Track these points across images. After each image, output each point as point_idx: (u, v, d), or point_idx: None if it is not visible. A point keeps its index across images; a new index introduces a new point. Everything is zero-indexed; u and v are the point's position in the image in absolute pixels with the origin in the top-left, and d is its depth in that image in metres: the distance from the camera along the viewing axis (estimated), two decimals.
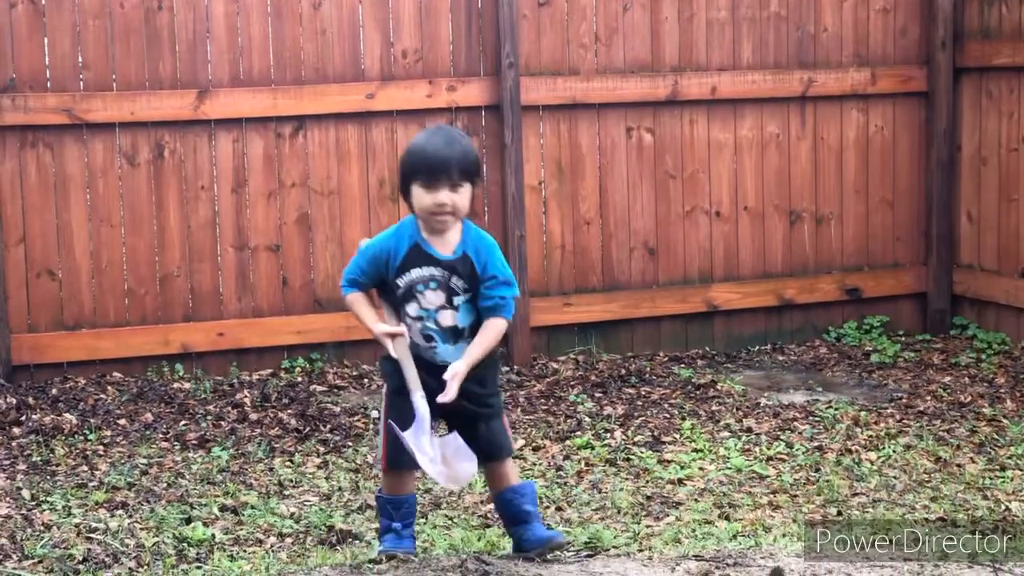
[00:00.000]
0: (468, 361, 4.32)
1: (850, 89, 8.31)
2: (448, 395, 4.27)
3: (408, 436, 4.26)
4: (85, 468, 6.07)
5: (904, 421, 6.75)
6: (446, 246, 4.38)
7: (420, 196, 4.32)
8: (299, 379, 7.39)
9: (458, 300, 4.38)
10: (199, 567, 4.87)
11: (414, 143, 4.42)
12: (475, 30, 7.76)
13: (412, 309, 4.39)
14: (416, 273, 4.38)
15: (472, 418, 4.43)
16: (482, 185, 7.79)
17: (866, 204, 8.45)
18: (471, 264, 4.37)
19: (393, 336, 4.35)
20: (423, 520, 5.37)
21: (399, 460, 4.40)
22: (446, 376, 4.30)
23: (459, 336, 4.40)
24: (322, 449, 6.35)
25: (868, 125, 8.41)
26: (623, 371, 7.63)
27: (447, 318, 4.39)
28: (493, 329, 4.38)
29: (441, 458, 4.30)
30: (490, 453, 4.48)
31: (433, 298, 4.39)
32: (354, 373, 7.53)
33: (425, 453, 4.28)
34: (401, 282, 4.39)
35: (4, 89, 7.15)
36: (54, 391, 7.06)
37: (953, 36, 8.30)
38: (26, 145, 7.22)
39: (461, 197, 4.33)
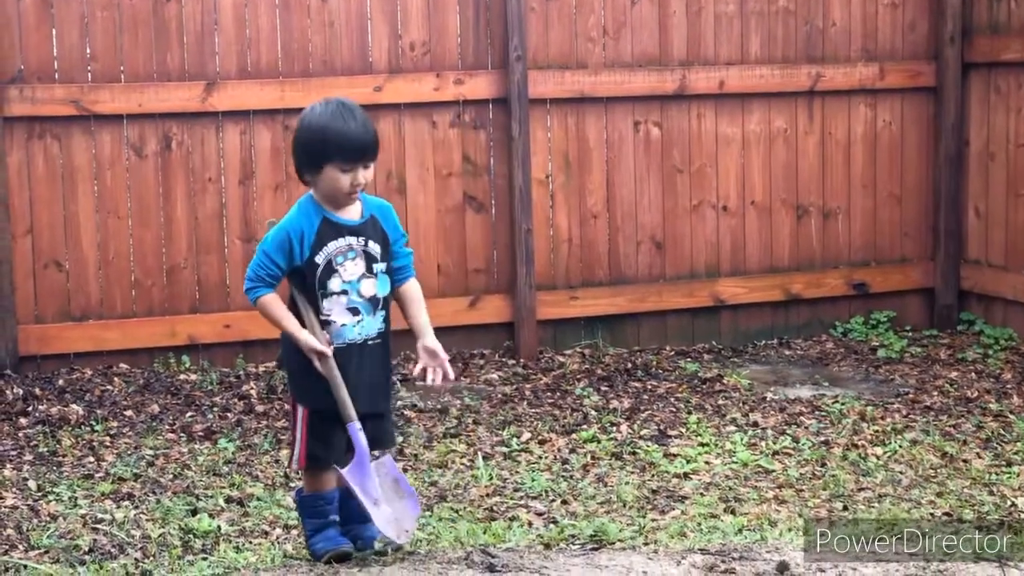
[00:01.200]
0: (431, 333, 4.41)
1: (858, 84, 8.30)
2: (450, 374, 4.37)
3: (351, 477, 4.26)
4: (91, 459, 6.08)
5: (910, 416, 6.74)
6: (352, 213, 4.40)
7: (336, 178, 4.31)
8: None
9: (376, 267, 4.39)
10: (205, 558, 4.88)
11: (328, 124, 4.31)
12: (483, 23, 7.75)
13: (335, 284, 4.35)
14: (333, 245, 4.35)
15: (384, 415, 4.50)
16: (490, 178, 7.80)
17: (874, 199, 8.44)
18: (380, 225, 4.41)
19: (322, 355, 4.30)
20: (428, 512, 5.37)
21: (319, 456, 4.39)
22: (427, 359, 4.39)
23: (378, 306, 4.42)
24: None
25: (876, 120, 8.40)
26: (629, 365, 7.63)
27: (368, 287, 4.38)
28: (419, 290, 4.52)
29: (383, 496, 4.31)
30: (382, 445, 4.50)
31: (353, 268, 4.37)
32: None
33: (370, 496, 4.29)
34: (319, 258, 4.34)
35: (12, 80, 7.16)
36: (61, 382, 7.06)
37: (962, 31, 8.28)
38: (33, 136, 7.22)
39: (370, 172, 4.37)
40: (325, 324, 4.36)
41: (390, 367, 4.56)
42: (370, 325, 4.40)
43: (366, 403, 4.39)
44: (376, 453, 4.41)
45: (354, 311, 4.37)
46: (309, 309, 4.36)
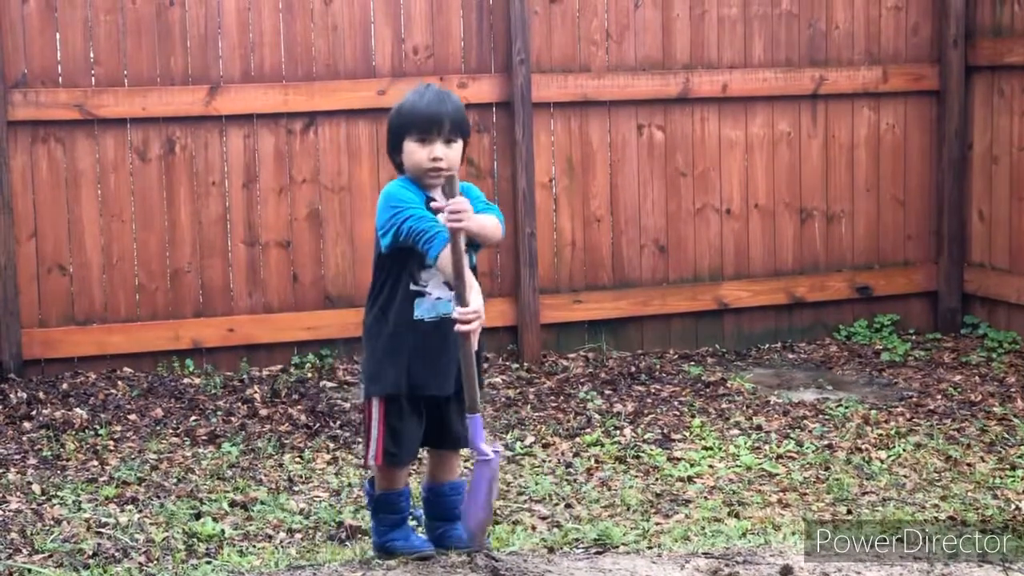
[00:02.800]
0: (477, 219, 4.20)
1: (861, 87, 8.30)
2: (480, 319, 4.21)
3: (478, 475, 4.20)
4: (95, 463, 6.08)
5: (914, 420, 6.74)
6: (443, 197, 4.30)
7: (414, 151, 4.30)
8: (309, 375, 7.39)
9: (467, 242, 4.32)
10: (209, 562, 4.88)
11: (405, 100, 4.39)
12: (486, 27, 7.76)
13: None
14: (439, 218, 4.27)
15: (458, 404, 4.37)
16: (493, 181, 7.80)
17: (877, 202, 8.44)
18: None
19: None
20: None
21: (394, 453, 4.39)
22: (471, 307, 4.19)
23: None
24: (332, 445, 6.36)
25: (879, 123, 8.40)
26: (633, 368, 7.63)
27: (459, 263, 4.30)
28: (493, 218, 4.30)
29: (486, 500, 4.23)
30: (455, 441, 4.45)
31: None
32: None
33: (481, 497, 4.21)
34: None
35: (16, 84, 7.16)
36: (64, 386, 7.07)
37: (965, 34, 8.28)
38: (37, 140, 7.23)
39: (454, 152, 4.32)
40: (419, 295, 4.31)
41: (482, 342, 4.40)
42: (440, 303, 4.35)
43: (451, 382, 4.35)
44: (488, 448, 4.28)
45: (449, 285, 4.30)
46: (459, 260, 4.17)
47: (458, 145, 4.34)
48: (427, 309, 4.35)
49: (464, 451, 4.59)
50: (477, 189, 4.43)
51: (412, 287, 4.35)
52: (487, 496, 4.26)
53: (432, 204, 4.26)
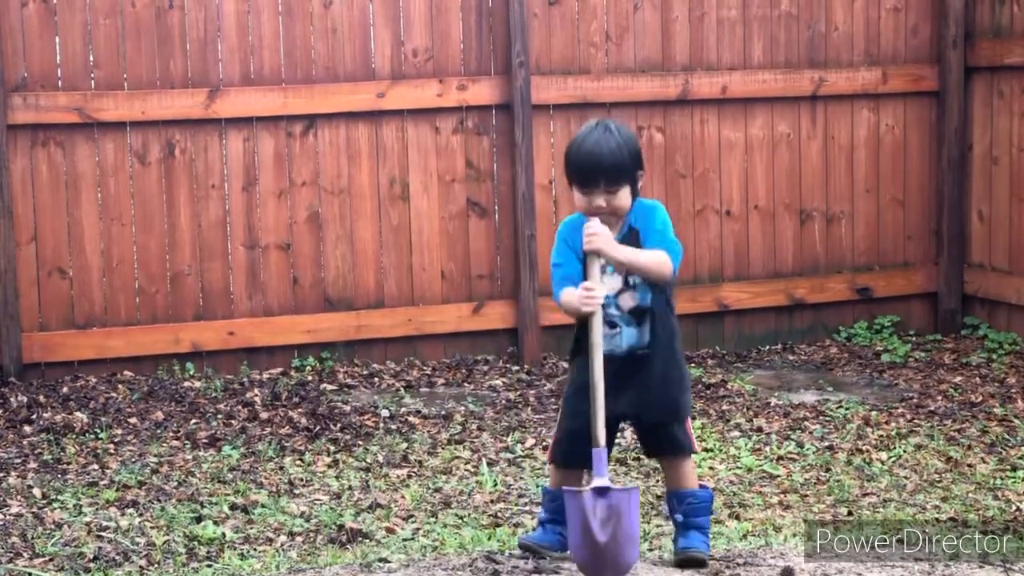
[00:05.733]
0: (622, 250, 4.22)
1: (861, 88, 8.30)
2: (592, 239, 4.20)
3: (571, 502, 4.16)
4: (96, 466, 6.08)
5: (915, 421, 6.74)
6: (615, 228, 4.31)
7: (578, 198, 4.31)
8: (309, 378, 7.39)
9: (634, 280, 4.33)
10: (209, 565, 4.88)
11: (572, 142, 4.34)
12: (485, 29, 7.76)
13: None
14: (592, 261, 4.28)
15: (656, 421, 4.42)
16: (493, 184, 7.80)
17: (877, 203, 8.44)
18: (637, 235, 4.33)
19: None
20: (433, 519, 5.37)
21: (570, 456, 4.40)
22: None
23: (642, 317, 4.34)
24: (332, 448, 6.36)
25: (879, 124, 8.40)
26: None
27: (627, 300, 4.34)
28: (654, 252, 4.27)
29: (599, 532, 4.14)
30: (658, 452, 4.50)
31: (612, 282, 4.33)
32: (364, 372, 7.54)
33: (578, 531, 4.14)
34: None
35: (15, 88, 7.17)
36: (65, 389, 7.07)
37: (964, 35, 8.28)
38: (37, 144, 7.23)
39: (619, 198, 4.29)
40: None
41: (672, 377, 4.38)
42: (630, 336, 4.35)
43: (630, 406, 4.37)
44: (623, 487, 4.31)
45: (611, 324, 4.33)
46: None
47: (624, 189, 4.29)
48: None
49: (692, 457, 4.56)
50: (663, 214, 4.36)
51: None
52: (581, 534, 4.17)
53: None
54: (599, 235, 4.19)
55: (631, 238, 4.33)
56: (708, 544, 4.47)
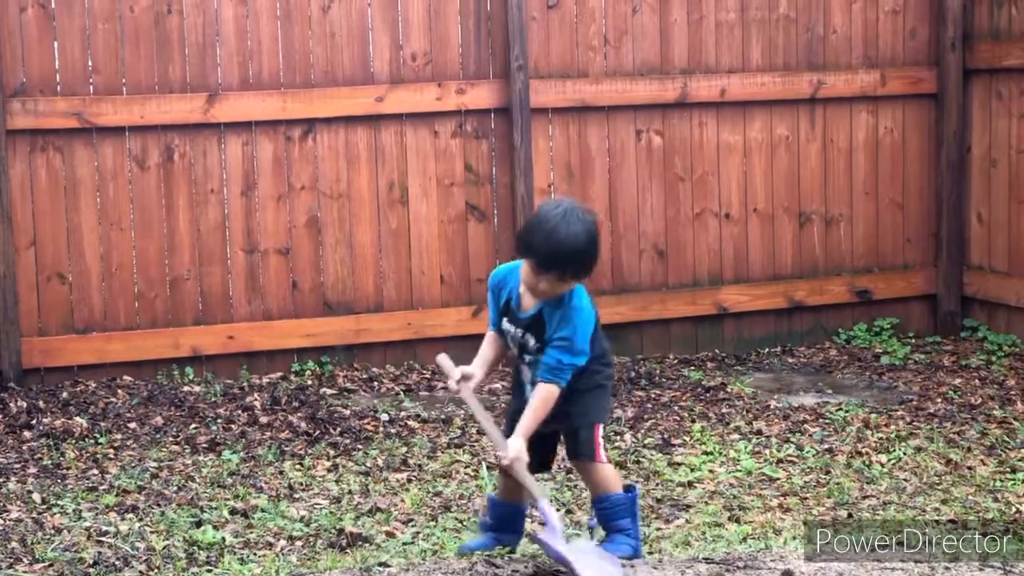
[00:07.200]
0: (520, 434, 4.36)
1: (859, 91, 8.31)
2: (504, 460, 4.36)
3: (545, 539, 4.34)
4: (95, 471, 6.08)
5: (914, 423, 6.74)
6: (528, 303, 4.44)
7: (527, 271, 4.35)
8: (309, 382, 7.39)
9: (528, 357, 4.46)
10: (209, 570, 4.88)
11: (548, 223, 4.30)
12: (484, 33, 7.76)
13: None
14: (506, 323, 4.51)
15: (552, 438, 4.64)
16: (492, 187, 7.80)
17: (876, 206, 8.44)
18: (542, 324, 4.40)
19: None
20: (433, 523, 5.37)
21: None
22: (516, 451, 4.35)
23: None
24: (332, 452, 6.35)
25: (878, 127, 8.40)
26: (633, 373, 7.63)
27: (524, 371, 4.51)
28: (539, 395, 4.38)
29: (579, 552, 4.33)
30: (575, 456, 4.60)
31: (514, 350, 4.52)
32: (364, 376, 7.54)
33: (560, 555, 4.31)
34: (503, 325, 4.54)
35: (14, 93, 7.17)
36: (64, 394, 7.07)
37: (963, 37, 8.28)
38: (36, 149, 7.23)
39: (565, 286, 4.35)
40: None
41: (562, 402, 4.43)
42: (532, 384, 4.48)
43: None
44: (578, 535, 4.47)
45: (533, 383, 4.46)
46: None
47: (571, 282, 4.35)
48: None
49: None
50: (575, 323, 4.37)
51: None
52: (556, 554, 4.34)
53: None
54: (518, 460, 4.32)
55: (537, 320, 4.40)
56: (634, 544, 4.54)
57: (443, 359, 4.54)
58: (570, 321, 4.35)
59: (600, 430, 4.55)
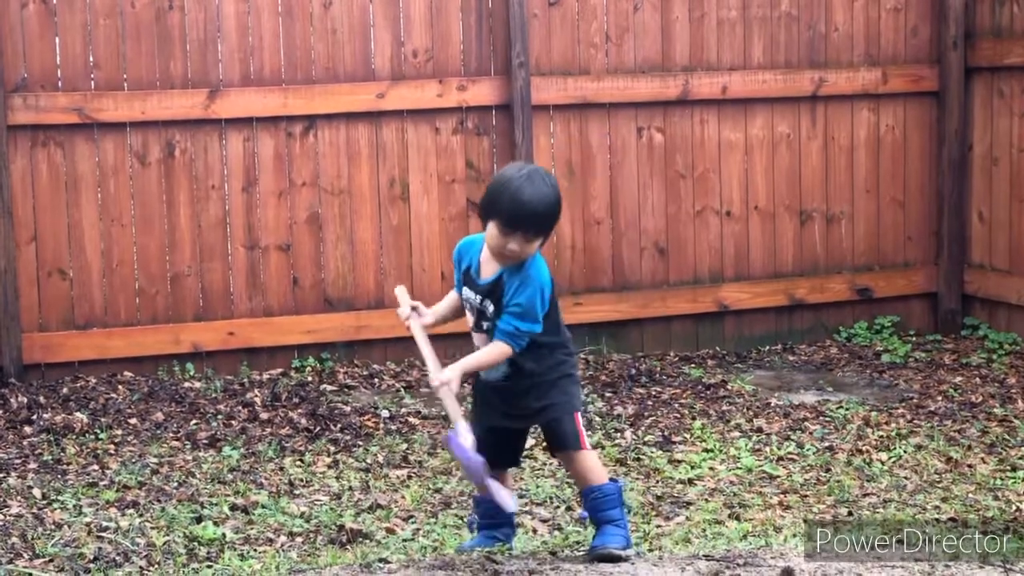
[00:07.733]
0: (459, 367, 4.39)
1: (861, 89, 8.30)
2: (433, 382, 4.38)
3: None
4: (96, 467, 6.08)
5: (915, 421, 6.74)
6: (488, 271, 4.45)
7: (493, 235, 4.35)
8: (309, 378, 7.39)
9: (485, 324, 4.46)
10: (209, 566, 4.88)
11: (512, 183, 4.34)
12: (485, 29, 7.76)
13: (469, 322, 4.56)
14: (466, 291, 4.51)
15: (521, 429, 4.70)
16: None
17: (877, 204, 8.44)
18: (501, 288, 4.40)
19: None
20: (433, 519, 5.37)
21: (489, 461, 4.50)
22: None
23: None
24: (332, 448, 6.36)
25: (879, 124, 8.40)
26: (633, 371, 7.63)
27: (479, 340, 4.50)
28: (491, 347, 4.42)
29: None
30: (560, 446, 4.59)
31: (469, 318, 4.52)
32: (364, 373, 7.54)
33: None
34: (463, 293, 4.55)
35: (15, 89, 7.17)
36: (65, 390, 7.07)
37: (964, 35, 8.28)
38: (37, 144, 7.23)
39: (531, 247, 4.36)
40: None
41: (531, 399, 4.51)
42: (492, 372, 4.49)
43: (493, 419, 4.57)
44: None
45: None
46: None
47: (537, 241, 4.38)
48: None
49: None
50: (533, 288, 4.40)
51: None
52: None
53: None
54: (447, 386, 4.33)
55: (496, 286, 4.41)
56: (625, 536, 4.52)
57: (400, 290, 4.65)
58: (527, 287, 4.38)
59: (580, 418, 4.55)
